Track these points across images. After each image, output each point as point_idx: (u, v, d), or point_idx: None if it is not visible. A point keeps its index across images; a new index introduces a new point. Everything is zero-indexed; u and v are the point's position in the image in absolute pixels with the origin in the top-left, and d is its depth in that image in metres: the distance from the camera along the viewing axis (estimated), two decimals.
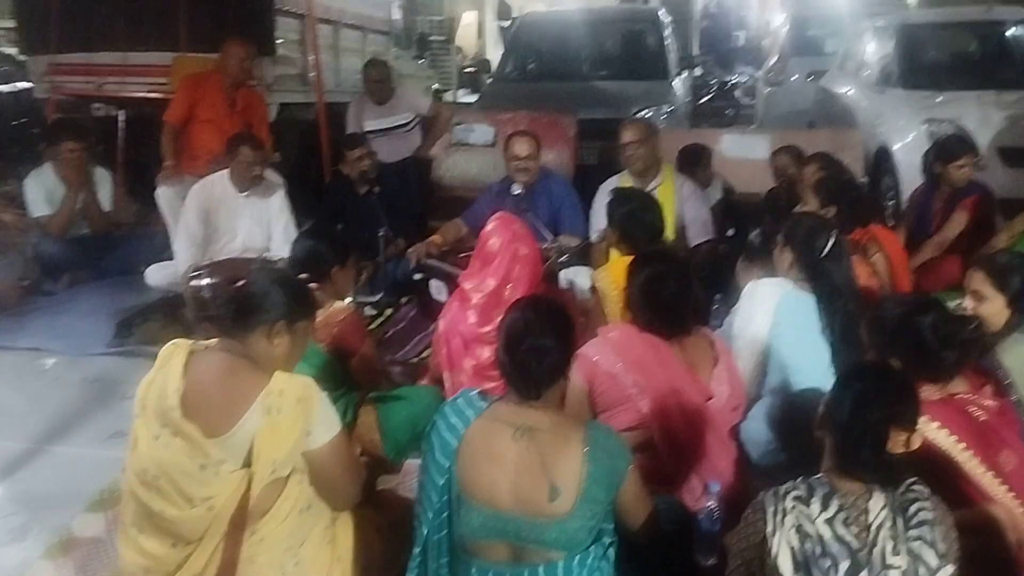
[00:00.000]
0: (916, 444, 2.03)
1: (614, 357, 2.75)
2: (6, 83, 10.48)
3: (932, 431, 2.30)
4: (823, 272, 3.20)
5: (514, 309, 2.38)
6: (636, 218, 3.80)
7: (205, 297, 4.54)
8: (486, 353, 3.37)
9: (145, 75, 6.80)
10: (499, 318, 3.36)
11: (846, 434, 2.01)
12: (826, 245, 3.20)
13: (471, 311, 3.49)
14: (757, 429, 3.13)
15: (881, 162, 6.55)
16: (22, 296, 5.16)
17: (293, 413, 2.24)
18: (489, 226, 3.62)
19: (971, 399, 2.43)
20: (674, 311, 2.83)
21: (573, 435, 2.22)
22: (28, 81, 7.86)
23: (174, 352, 2.31)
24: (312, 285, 2.95)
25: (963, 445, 2.32)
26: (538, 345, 2.21)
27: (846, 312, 3.10)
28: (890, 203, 6.30)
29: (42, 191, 5.78)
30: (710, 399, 2.80)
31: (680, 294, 2.84)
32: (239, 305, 2.36)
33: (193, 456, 2.21)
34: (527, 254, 3.57)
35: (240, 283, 2.35)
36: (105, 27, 6.85)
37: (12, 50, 10.56)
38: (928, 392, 2.35)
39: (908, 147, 6.15)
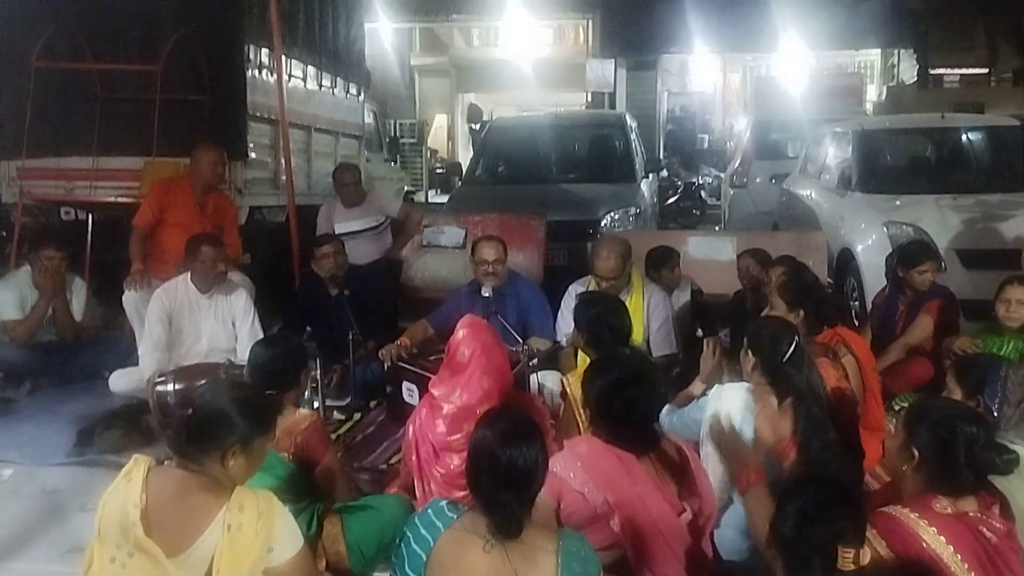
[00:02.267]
0: (866, 560, 1.99)
1: (583, 475, 2.69)
2: None
3: (940, 546, 2.23)
4: (785, 376, 3.20)
5: (483, 426, 2.36)
6: (603, 321, 3.82)
7: (169, 404, 4.48)
8: (455, 461, 3.33)
9: (115, 179, 6.82)
10: (468, 428, 3.38)
11: (792, 553, 1.98)
12: (788, 349, 3.21)
13: (440, 420, 3.45)
14: (731, 537, 3.09)
15: (845, 264, 6.66)
16: None
17: (253, 530, 2.21)
18: (459, 334, 3.60)
19: (982, 519, 2.33)
20: (633, 421, 2.79)
21: (546, 545, 2.19)
22: None
23: (133, 468, 2.29)
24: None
25: (967, 566, 2.24)
26: (510, 480, 2.21)
27: (808, 417, 3.10)
28: (854, 303, 6.38)
29: (14, 295, 5.74)
30: (682, 513, 2.75)
31: (638, 401, 2.80)
32: (189, 432, 2.31)
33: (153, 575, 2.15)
34: (498, 365, 3.54)
35: (189, 411, 2.30)
36: (76, 132, 6.90)
37: None
38: (941, 505, 2.31)
39: (870, 249, 6.27)
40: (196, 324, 5.21)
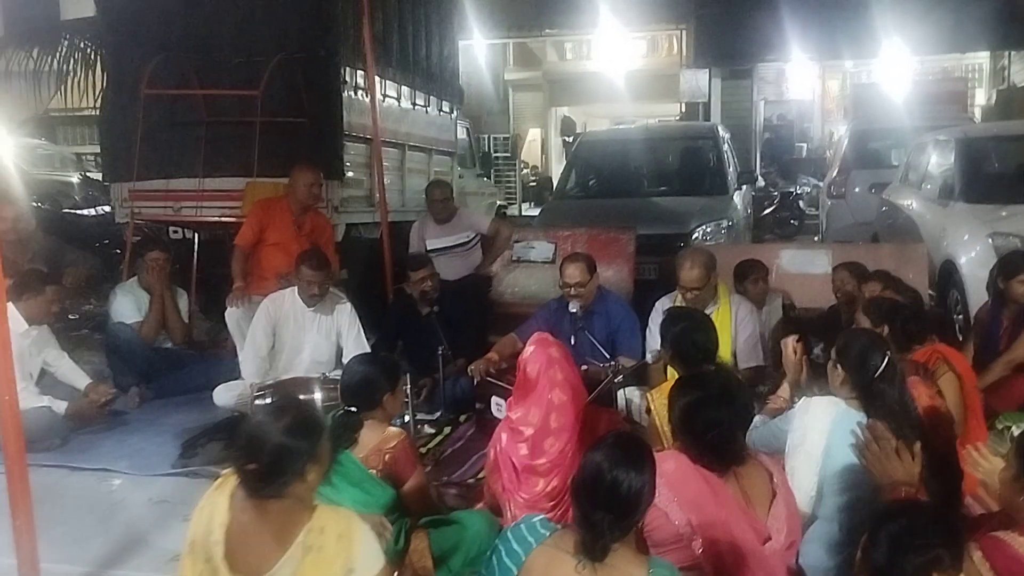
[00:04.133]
0: None
1: (668, 493, 2.65)
2: (92, 207, 11.08)
3: None
4: (876, 392, 3.11)
5: (598, 445, 2.36)
6: (688, 337, 3.80)
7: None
8: (539, 485, 3.36)
9: (219, 199, 7.14)
10: (551, 448, 3.40)
11: None
12: (880, 364, 3.12)
13: (523, 444, 3.48)
14: (816, 553, 3.02)
15: (947, 276, 6.44)
16: (100, 415, 5.32)
17: (334, 551, 2.23)
18: (527, 351, 3.64)
19: None
20: (716, 441, 2.75)
21: (635, 572, 2.19)
22: (110, 206, 8.26)
23: (223, 484, 2.34)
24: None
25: None
26: (609, 501, 2.22)
27: (900, 435, 3.01)
28: (958, 317, 6.16)
29: (130, 300, 6.17)
30: (767, 541, 2.69)
31: (721, 422, 2.76)
32: (261, 481, 2.25)
33: None
34: (564, 378, 3.55)
35: (250, 467, 2.24)
36: (183, 155, 7.24)
37: (98, 176, 11.17)
38: None
39: (973, 261, 6.05)
40: (300, 336, 5.39)
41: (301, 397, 4.66)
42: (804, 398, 3.33)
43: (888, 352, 3.19)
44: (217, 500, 2.31)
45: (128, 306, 6.16)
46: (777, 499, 2.77)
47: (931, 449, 3.14)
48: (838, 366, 3.22)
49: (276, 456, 2.23)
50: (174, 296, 6.31)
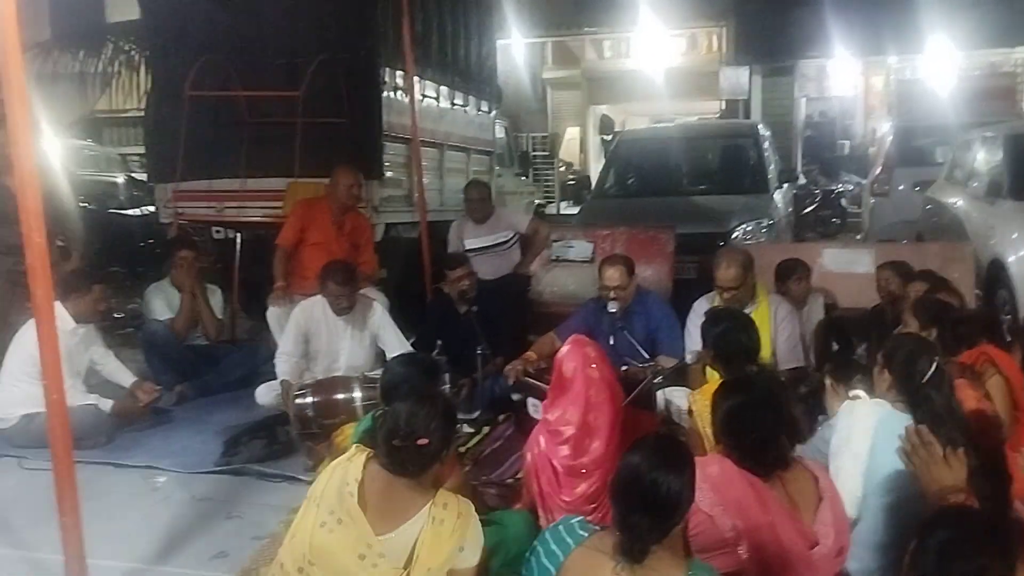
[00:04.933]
0: None
1: (712, 497, 2.62)
2: (135, 207, 11.27)
3: None
4: (923, 398, 3.06)
5: (637, 446, 2.37)
6: (732, 338, 3.76)
7: (308, 416, 4.68)
8: (581, 487, 3.35)
9: (261, 199, 7.22)
10: (593, 447, 3.38)
11: None
12: (928, 370, 3.07)
13: (563, 445, 3.46)
14: (860, 555, 2.98)
15: (995, 276, 6.32)
16: (145, 413, 5.41)
17: (452, 526, 2.42)
18: (563, 351, 3.62)
19: None
20: (761, 446, 2.72)
21: (675, 574, 2.19)
22: (154, 206, 8.39)
23: (356, 453, 2.54)
24: None
25: None
26: (647, 503, 2.23)
27: (949, 440, 2.95)
28: (1006, 318, 6.04)
29: (161, 299, 6.29)
30: (815, 546, 2.65)
31: (766, 427, 2.73)
32: (407, 463, 2.47)
33: (355, 545, 2.37)
34: (599, 377, 3.53)
35: (422, 441, 2.46)
36: (225, 155, 7.33)
37: (142, 176, 11.36)
38: None
39: (1022, 260, 5.93)
40: (334, 345, 5.41)
41: (340, 396, 4.74)
42: (848, 401, 3.28)
43: (936, 358, 3.13)
44: (351, 463, 2.50)
45: (160, 304, 6.28)
46: (823, 503, 2.72)
47: (978, 453, 3.09)
48: (885, 371, 3.18)
49: (435, 436, 2.48)
50: (204, 293, 6.38)
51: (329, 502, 2.43)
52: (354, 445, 2.61)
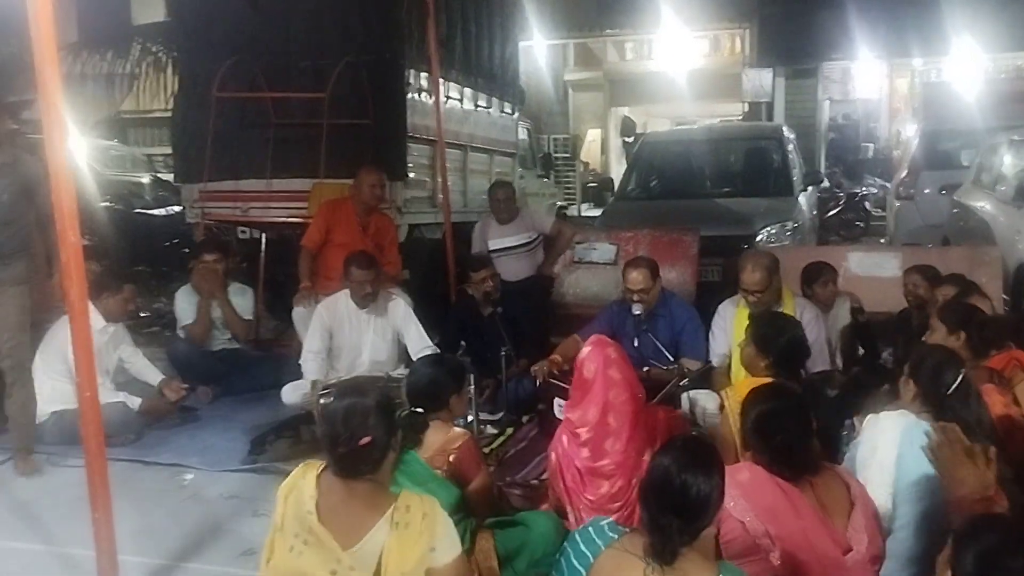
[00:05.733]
0: None
1: (744, 503, 2.62)
2: (161, 207, 11.37)
3: None
4: (949, 408, 3.03)
5: (667, 448, 2.37)
6: (795, 340, 3.74)
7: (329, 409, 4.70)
8: (604, 487, 3.35)
9: (287, 200, 7.26)
10: (612, 448, 3.39)
11: None
12: (954, 381, 3.05)
13: (583, 447, 3.46)
14: (891, 569, 2.96)
15: (1022, 280, 6.27)
16: (173, 412, 5.46)
17: (419, 528, 2.36)
18: (584, 352, 3.61)
19: None
20: (789, 452, 2.72)
21: None
22: (180, 206, 8.46)
23: (307, 468, 2.49)
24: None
25: None
26: (676, 505, 2.22)
27: (976, 440, 2.92)
28: None
29: (188, 303, 6.28)
30: (848, 552, 2.64)
31: (794, 433, 2.73)
32: (354, 466, 2.42)
33: (325, 563, 2.34)
34: (620, 378, 3.51)
35: (364, 441, 2.40)
36: (252, 156, 7.39)
37: (168, 176, 11.45)
38: None
39: None
40: (357, 339, 5.46)
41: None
42: (871, 414, 3.26)
43: (963, 370, 3.11)
44: (303, 484, 2.44)
45: (187, 308, 6.28)
46: (856, 508, 2.70)
47: (1007, 459, 3.06)
48: (911, 381, 3.16)
49: (377, 431, 2.42)
50: (227, 297, 6.34)
51: (292, 527, 2.40)
52: (304, 463, 2.54)
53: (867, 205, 14.81)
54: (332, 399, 4.56)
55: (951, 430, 2.65)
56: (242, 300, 6.46)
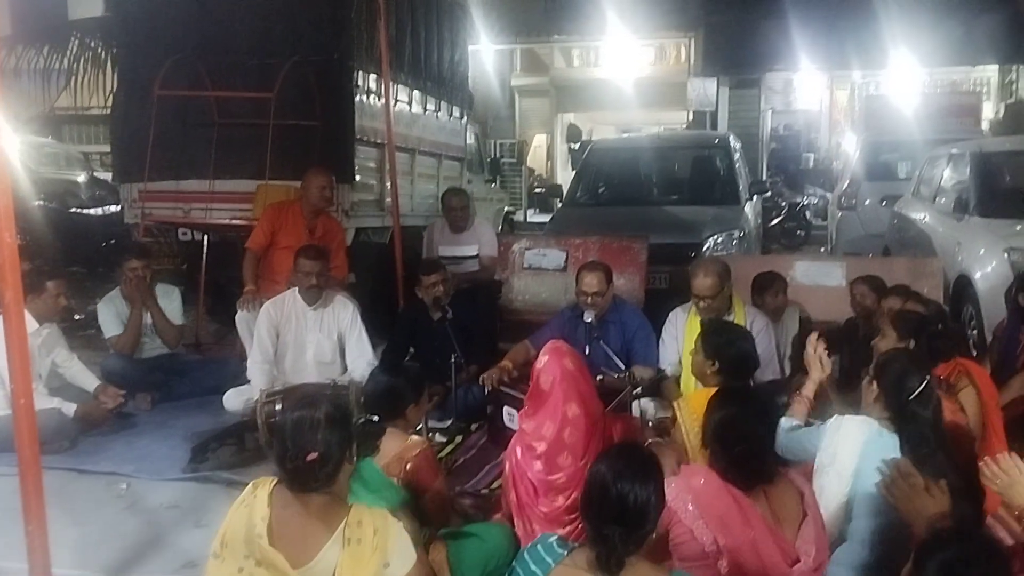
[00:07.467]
0: None
1: (695, 510, 2.63)
2: (98, 206, 11.07)
3: None
4: (910, 414, 3.06)
5: (601, 459, 2.35)
6: (738, 349, 3.77)
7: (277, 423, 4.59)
8: (559, 500, 3.31)
9: (230, 202, 7.12)
10: (566, 462, 3.35)
11: None
12: (917, 387, 3.06)
13: (537, 460, 3.41)
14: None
15: (961, 291, 6.39)
16: (110, 418, 5.27)
17: (372, 544, 2.32)
18: (540, 361, 3.55)
19: None
20: (750, 460, 2.72)
21: None
22: (119, 205, 8.23)
23: (259, 485, 2.42)
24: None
25: None
26: (617, 515, 2.20)
27: (930, 464, 2.94)
28: (972, 333, 6.12)
29: (112, 312, 5.94)
30: (796, 563, 2.64)
31: (757, 439, 2.74)
32: (307, 478, 2.37)
33: None
34: (578, 391, 3.47)
35: (311, 456, 2.34)
36: (194, 156, 7.22)
37: (106, 175, 11.15)
38: None
39: (989, 276, 6.01)
40: (302, 336, 5.39)
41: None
42: (836, 416, 3.28)
43: (928, 376, 3.13)
44: (254, 501, 2.37)
45: (110, 318, 5.92)
46: (807, 520, 2.72)
47: (953, 467, 3.10)
48: (874, 383, 3.17)
49: (328, 444, 2.36)
50: (156, 302, 5.98)
51: (240, 550, 2.32)
52: (257, 479, 2.46)
53: (808, 215, 15.10)
54: (279, 409, 4.55)
55: (903, 464, 2.68)
56: (169, 303, 6.08)
